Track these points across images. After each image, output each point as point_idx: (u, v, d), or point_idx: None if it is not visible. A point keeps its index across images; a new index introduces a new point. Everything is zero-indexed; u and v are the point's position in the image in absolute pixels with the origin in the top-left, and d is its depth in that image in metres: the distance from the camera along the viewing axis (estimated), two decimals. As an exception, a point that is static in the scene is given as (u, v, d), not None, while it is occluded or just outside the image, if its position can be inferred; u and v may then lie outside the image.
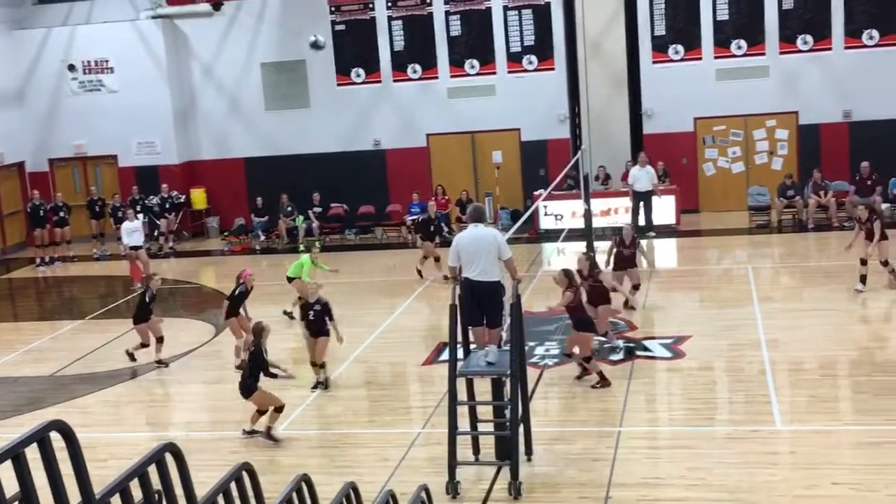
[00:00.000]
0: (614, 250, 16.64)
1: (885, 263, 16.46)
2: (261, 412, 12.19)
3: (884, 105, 23.15)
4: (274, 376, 12.24)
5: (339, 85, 26.07)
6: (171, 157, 26.74)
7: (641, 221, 22.63)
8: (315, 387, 13.80)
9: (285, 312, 17.32)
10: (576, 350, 13.32)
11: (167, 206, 26.12)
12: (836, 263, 18.36)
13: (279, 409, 12.16)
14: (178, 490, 4.78)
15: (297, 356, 14.98)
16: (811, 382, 13.12)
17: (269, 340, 12.51)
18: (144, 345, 15.50)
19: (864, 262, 16.55)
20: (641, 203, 22.74)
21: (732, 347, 14.71)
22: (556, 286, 13.34)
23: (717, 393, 13.16)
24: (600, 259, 16.32)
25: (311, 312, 13.76)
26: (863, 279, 16.57)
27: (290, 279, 17.26)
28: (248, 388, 12.11)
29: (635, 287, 16.65)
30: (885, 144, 22.74)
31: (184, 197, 26.62)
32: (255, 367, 12.09)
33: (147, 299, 15.48)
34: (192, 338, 17.18)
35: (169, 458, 4.72)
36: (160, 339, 15.54)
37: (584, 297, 13.76)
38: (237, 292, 15.28)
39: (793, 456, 10.98)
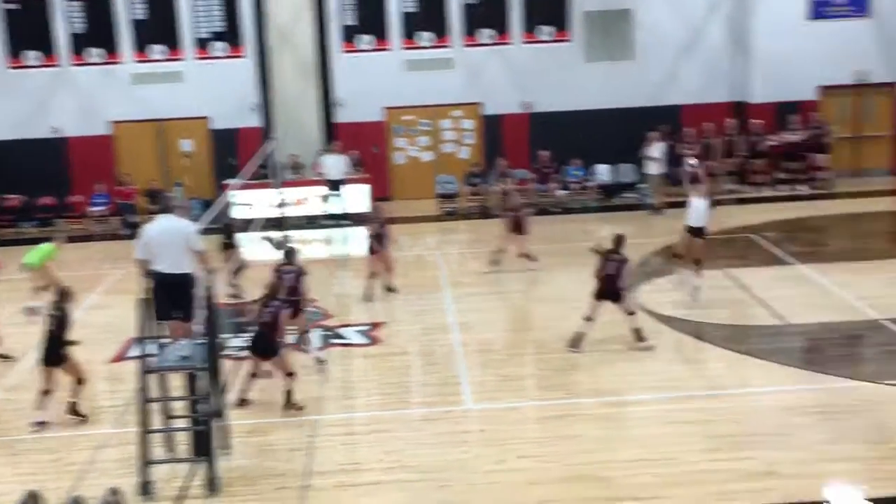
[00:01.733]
0: (372, 234, 16.74)
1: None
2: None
3: (559, 97, 24.56)
4: (72, 343, 11.72)
5: (10, 68, 24.39)
6: None
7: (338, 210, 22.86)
8: None
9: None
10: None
11: None
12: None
13: (81, 382, 11.85)
14: None
15: None
16: (498, 362, 13.74)
17: None
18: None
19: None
20: (335, 191, 22.96)
21: (425, 332, 15.14)
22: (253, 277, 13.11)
23: (412, 376, 13.50)
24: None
25: None
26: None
27: (28, 267, 16.07)
28: (57, 357, 11.62)
29: (388, 270, 16.88)
30: (561, 134, 24.14)
31: None
32: (60, 334, 11.48)
33: None
34: None
35: None
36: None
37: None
38: None
39: (483, 433, 11.46)
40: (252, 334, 12.35)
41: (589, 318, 13.78)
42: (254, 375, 12.46)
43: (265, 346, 12.20)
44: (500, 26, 24.70)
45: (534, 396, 12.66)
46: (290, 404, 12.19)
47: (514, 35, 24.76)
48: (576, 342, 13.79)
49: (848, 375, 12.61)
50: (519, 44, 24.78)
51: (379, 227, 16.87)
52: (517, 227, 17.77)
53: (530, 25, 24.73)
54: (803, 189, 23.63)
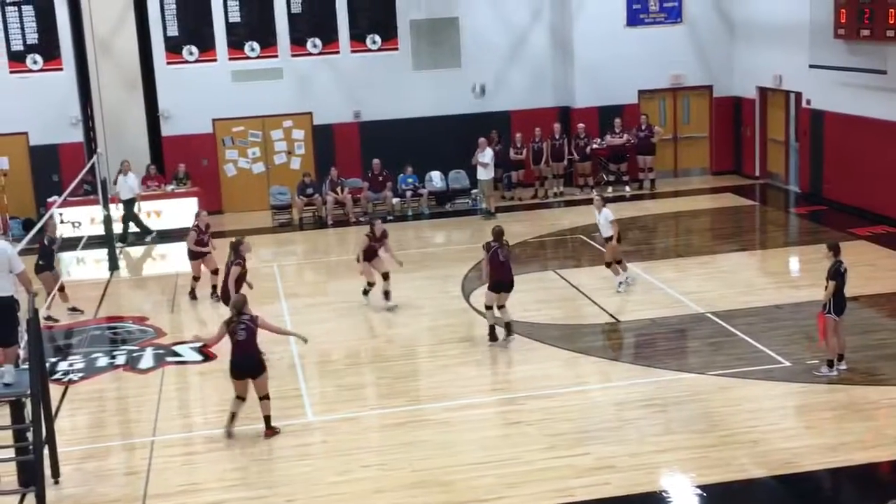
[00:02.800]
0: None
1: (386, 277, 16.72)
2: None
3: (389, 105, 24.67)
4: None
5: None
6: None
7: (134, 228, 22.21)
8: None
9: None
10: None
11: None
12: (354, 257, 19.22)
13: None
14: None
15: None
16: (338, 372, 13.70)
17: None
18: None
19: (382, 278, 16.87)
20: (127, 211, 21.96)
21: (261, 345, 14.85)
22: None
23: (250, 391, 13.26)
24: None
25: None
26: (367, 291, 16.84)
27: None
28: None
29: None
30: (392, 143, 24.25)
31: None
32: None
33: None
34: None
35: None
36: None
37: None
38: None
39: (325, 445, 11.39)
40: (232, 356, 11.66)
41: (490, 308, 14.22)
42: (241, 398, 11.68)
43: (251, 365, 11.59)
44: (327, 36, 24.63)
45: (375, 405, 12.66)
46: (271, 429, 11.59)
47: (342, 44, 24.74)
48: (492, 335, 14.25)
49: (676, 368, 13.11)
50: (347, 53, 24.76)
51: (197, 235, 17.12)
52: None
53: (358, 34, 24.75)
54: (628, 190, 24.43)
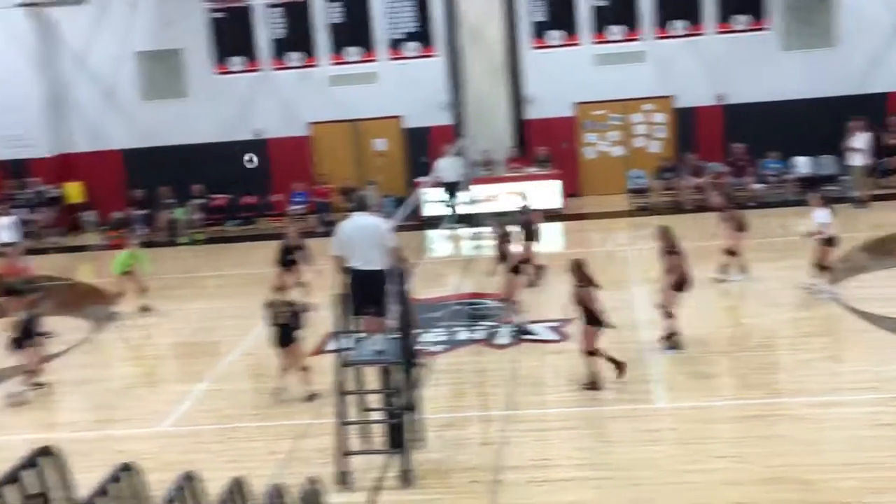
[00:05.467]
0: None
1: (733, 253, 16.60)
2: None
3: (755, 88, 23.83)
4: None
5: (217, 73, 25.61)
6: (41, 149, 25.86)
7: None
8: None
9: None
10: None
11: (39, 200, 25.29)
12: (714, 244, 18.75)
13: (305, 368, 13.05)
14: (60, 492, 4.63)
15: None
16: (691, 360, 13.44)
17: None
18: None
19: (730, 253, 16.64)
20: (452, 194, 22.59)
21: (614, 329, 14.92)
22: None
23: (602, 373, 13.35)
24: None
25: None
26: (725, 269, 16.70)
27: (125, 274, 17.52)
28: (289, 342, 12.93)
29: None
30: (757, 127, 23.42)
31: (57, 191, 25.80)
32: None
33: None
34: (70, 335, 16.68)
35: (50, 460, 4.56)
36: None
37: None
38: None
39: (675, 432, 11.25)
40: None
41: (672, 315, 13.49)
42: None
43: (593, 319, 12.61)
44: (693, 17, 24.15)
45: (729, 395, 12.33)
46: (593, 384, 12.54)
47: (707, 25, 24.17)
48: (674, 342, 13.56)
49: None
50: (713, 34, 24.16)
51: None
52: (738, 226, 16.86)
53: (725, 15, 24.07)
54: None
